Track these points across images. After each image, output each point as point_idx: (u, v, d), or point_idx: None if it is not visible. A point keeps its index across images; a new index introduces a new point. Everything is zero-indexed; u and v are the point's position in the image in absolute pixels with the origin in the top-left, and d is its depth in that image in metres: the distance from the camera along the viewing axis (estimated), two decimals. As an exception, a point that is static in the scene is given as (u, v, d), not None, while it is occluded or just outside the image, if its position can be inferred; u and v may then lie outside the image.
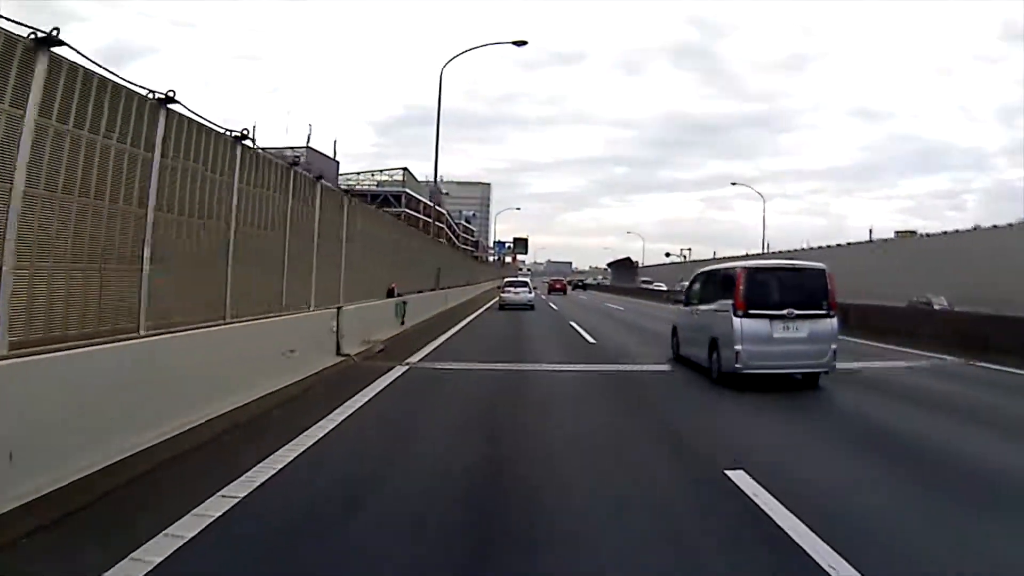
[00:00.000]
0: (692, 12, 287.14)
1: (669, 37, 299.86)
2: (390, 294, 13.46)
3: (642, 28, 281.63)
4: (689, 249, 72.75)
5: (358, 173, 69.19)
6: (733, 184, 39.23)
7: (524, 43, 24.63)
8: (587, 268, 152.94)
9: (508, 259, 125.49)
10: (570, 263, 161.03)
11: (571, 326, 16.59)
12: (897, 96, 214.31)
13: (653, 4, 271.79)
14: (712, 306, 8.10)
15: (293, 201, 7.95)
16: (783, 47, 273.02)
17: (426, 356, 9.83)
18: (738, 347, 7.10)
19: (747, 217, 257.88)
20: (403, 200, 66.30)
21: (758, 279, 7.49)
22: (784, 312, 7.15)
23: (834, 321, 7.36)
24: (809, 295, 7.33)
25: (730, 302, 7.39)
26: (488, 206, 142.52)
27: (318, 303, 8.78)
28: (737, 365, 7.13)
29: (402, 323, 13.29)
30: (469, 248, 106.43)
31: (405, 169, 69.67)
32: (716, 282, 8.43)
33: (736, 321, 7.18)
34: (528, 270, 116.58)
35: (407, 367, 8.67)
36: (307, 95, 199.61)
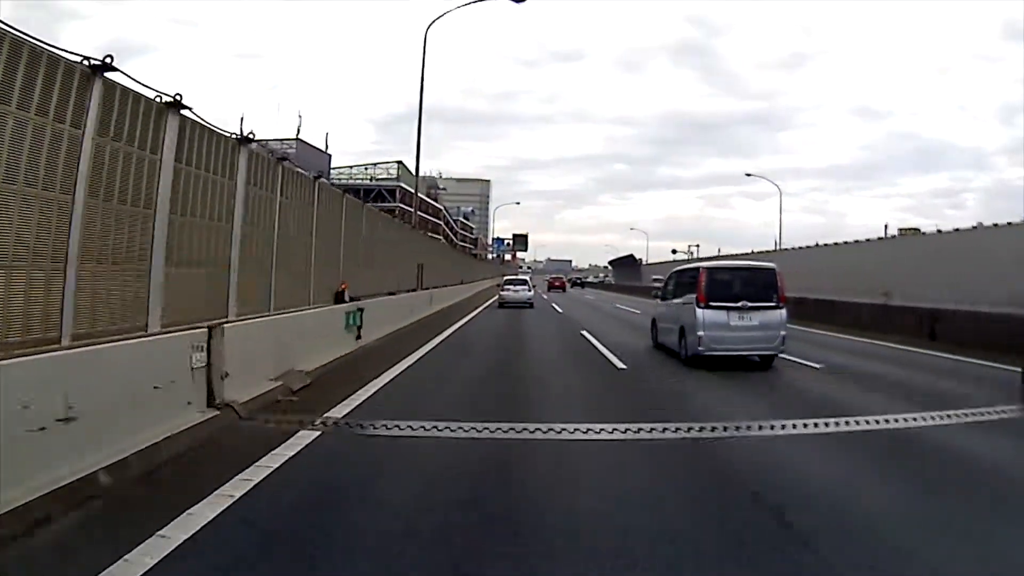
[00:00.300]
0: (691, 10, 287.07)
1: (668, 35, 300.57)
2: (338, 298, 9.84)
3: (641, 26, 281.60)
4: (697, 245, 68.63)
5: (351, 167, 65.13)
6: (748, 175, 36.68)
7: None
8: (587, 266, 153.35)
9: (508, 257, 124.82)
10: (570, 261, 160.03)
11: (584, 337, 13.00)
12: (896, 95, 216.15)
13: (652, 2, 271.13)
14: (681, 300, 9.40)
15: (102, 139, 4.33)
16: (782, 45, 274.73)
17: (367, 402, 6.19)
18: (700, 333, 8.38)
19: (746, 215, 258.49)
20: (397, 194, 62.29)
21: (717, 277, 8.86)
22: (739, 304, 8.40)
23: (783, 312, 8.60)
24: (760, 290, 8.63)
25: (694, 296, 8.66)
26: (488, 203, 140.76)
27: (173, 318, 5.16)
28: (700, 348, 8.40)
29: (358, 338, 9.69)
30: (467, 245, 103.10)
31: (400, 163, 65.09)
32: (684, 279, 9.74)
33: (699, 312, 8.45)
34: (529, 268, 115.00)
35: (320, 431, 5.05)
36: (306, 92, 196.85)
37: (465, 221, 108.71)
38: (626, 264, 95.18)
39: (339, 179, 63.11)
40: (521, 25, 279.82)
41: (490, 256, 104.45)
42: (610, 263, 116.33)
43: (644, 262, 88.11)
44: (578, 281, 76.32)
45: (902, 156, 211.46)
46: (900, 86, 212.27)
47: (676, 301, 9.74)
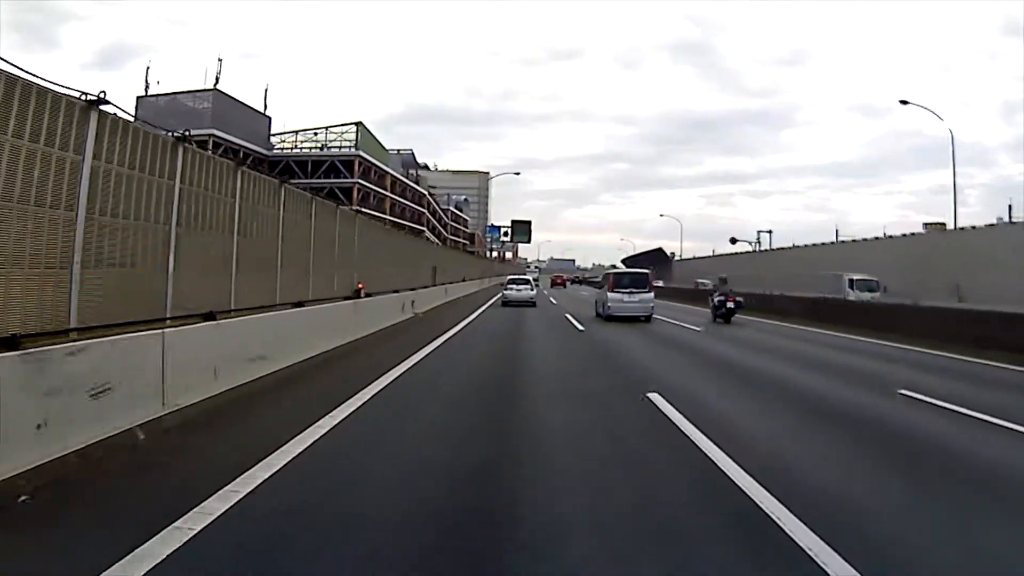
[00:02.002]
0: (690, 8, 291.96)
1: (668, 33, 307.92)
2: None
3: (640, 24, 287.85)
4: (769, 231, 57.61)
5: (295, 132, 53.67)
6: (904, 102, 29.59)
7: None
8: (590, 265, 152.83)
9: (508, 255, 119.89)
10: (573, 260, 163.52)
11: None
12: (898, 91, 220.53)
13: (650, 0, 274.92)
14: (603, 288, 19.42)
15: None
16: (782, 43, 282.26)
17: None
18: (609, 304, 17.76)
19: (748, 213, 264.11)
20: (356, 168, 51.49)
21: (618, 276, 18.91)
22: (628, 290, 17.89)
23: (652, 294, 18.32)
24: (640, 282, 18.25)
25: (607, 286, 18.72)
26: (487, 198, 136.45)
27: None
28: (609, 311, 17.66)
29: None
30: (461, 240, 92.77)
31: (359, 124, 53.94)
32: (606, 277, 20.50)
33: (609, 294, 17.98)
34: (537, 267, 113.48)
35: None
36: (303, 91, 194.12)
37: (457, 212, 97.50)
38: (645, 261, 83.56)
39: (282, 148, 52.86)
40: (520, 23, 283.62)
41: (492, 254, 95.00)
42: (624, 261, 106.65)
43: (678, 257, 75.02)
44: (577, 279, 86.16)
45: (904, 153, 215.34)
46: (901, 82, 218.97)
47: (603, 289, 19.74)
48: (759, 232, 59.51)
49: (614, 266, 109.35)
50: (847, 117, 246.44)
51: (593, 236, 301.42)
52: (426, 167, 75.92)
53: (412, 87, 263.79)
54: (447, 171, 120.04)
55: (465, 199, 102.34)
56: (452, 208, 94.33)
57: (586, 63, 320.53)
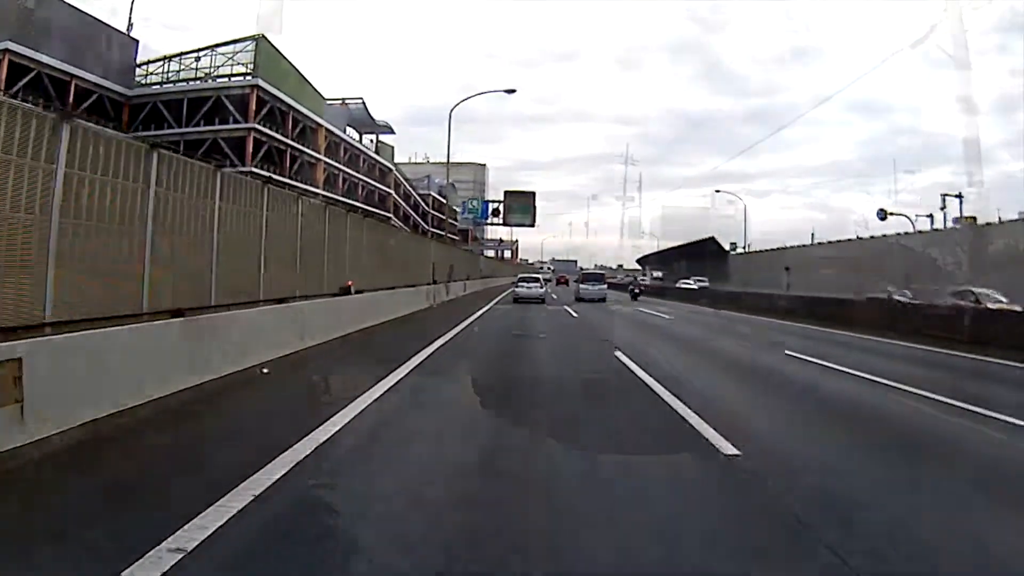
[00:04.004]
0: (689, 6, 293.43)
1: (667, 32, 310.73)
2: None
3: (639, 24, 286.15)
4: (959, 195, 39.98)
5: (167, 58, 38.66)
6: None
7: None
8: (592, 267, 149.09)
9: (507, 253, 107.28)
10: (575, 261, 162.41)
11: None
12: (897, 89, 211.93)
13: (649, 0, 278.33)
14: (579, 280, 34.81)
15: None
16: (782, 41, 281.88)
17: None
18: (581, 291, 31.17)
19: (750, 212, 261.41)
20: (252, 105, 35.75)
21: (586, 274, 35.99)
22: (592, 283, 32.05)
23: (605, 285, 33.48)
24: (599, 278, 33.59)
25: (579, 279, 35.54)
26: (484, 192, 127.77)
27: None
28: (581, 295, 30.64)
29: None
30: (448, 235, 77.42)
31: (260, 39, 38.14)
32: (582, 274, 38.30)
33: (581, 284, 32.54)
34: (550, 268, 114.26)
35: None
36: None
37: (440, 198, 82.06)
38: (677, 257, 67.58)
39: (151, 81, 38.62)
40: (518, 24, 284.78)
41: (487, 251, 79.89)
42: (640, 260, 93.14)
43: (743, 249, 54.92)
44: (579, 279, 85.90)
45: (903, 151, 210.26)
46: (900, 80, 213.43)
47: (579, 281, 34.68)
48: (944, 196, 40.37)
49: (642, 266, 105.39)
50: (846, 115, 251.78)
51: (594, 236, 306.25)
52: (389, 128, 59.59)
53: (410, 88, 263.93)
54: (439, 162, 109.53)
55: (451, 184, 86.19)
56: (434, 194, 79.01)
57: (584, 64, 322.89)
